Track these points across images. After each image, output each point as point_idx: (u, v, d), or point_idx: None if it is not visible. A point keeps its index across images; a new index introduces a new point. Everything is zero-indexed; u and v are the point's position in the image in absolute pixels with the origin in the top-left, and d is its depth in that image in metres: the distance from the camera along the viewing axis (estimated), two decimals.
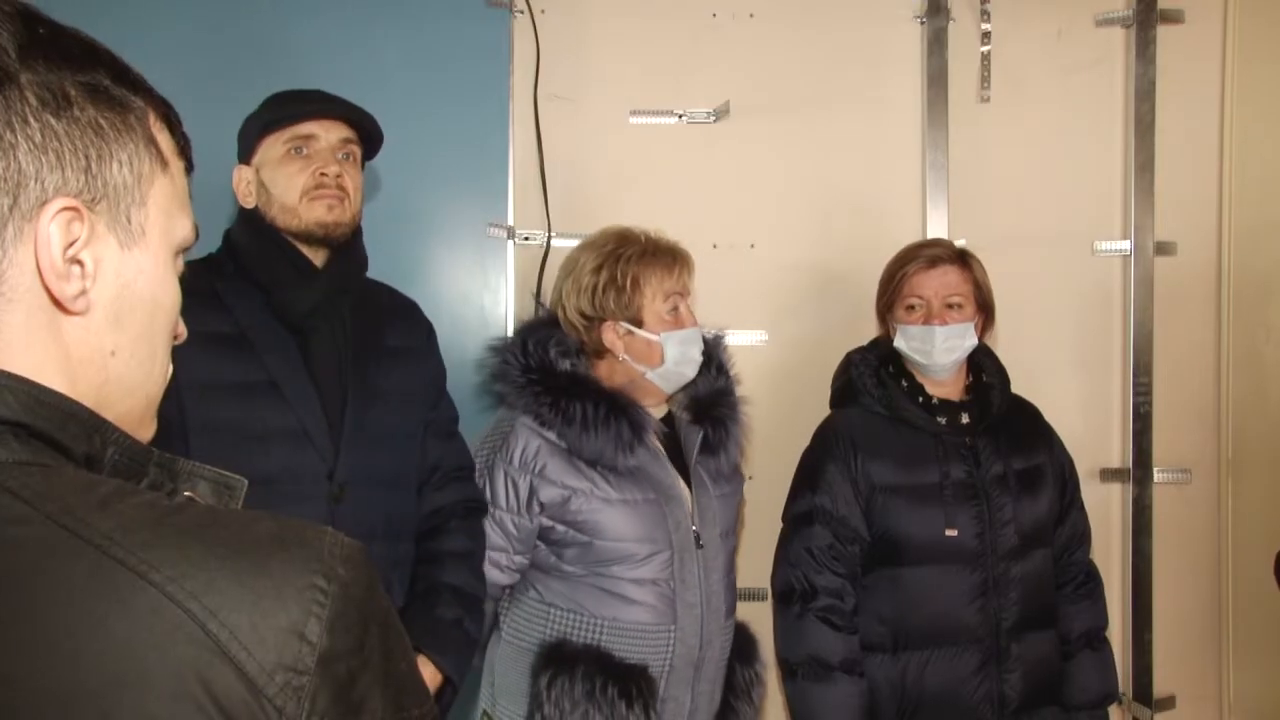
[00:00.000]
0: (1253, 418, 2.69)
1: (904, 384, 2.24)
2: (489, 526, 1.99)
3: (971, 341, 2.21)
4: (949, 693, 2.14)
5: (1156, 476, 2.69)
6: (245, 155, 1.87)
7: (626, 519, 1.97)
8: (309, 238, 1.83)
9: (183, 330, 0.84)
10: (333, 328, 1.83)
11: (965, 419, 2.23)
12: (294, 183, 1.82)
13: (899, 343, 2.23)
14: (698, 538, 2.03)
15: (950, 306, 2.19)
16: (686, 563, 2.00)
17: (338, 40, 2.40)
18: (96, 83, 0.74)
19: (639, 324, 2.03)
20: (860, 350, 2.34)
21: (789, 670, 2.19)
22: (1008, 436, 2.24)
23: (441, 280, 2.49)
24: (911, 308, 2.21)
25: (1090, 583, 2.30)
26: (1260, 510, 2.67)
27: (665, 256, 2.05)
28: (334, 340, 1.83)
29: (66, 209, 0.72)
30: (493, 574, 2.00)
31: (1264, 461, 2.67)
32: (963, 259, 2.24)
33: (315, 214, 1.81)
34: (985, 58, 2.70)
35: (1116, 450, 2.70)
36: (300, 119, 1.84)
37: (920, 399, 2.23)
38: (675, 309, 2.04)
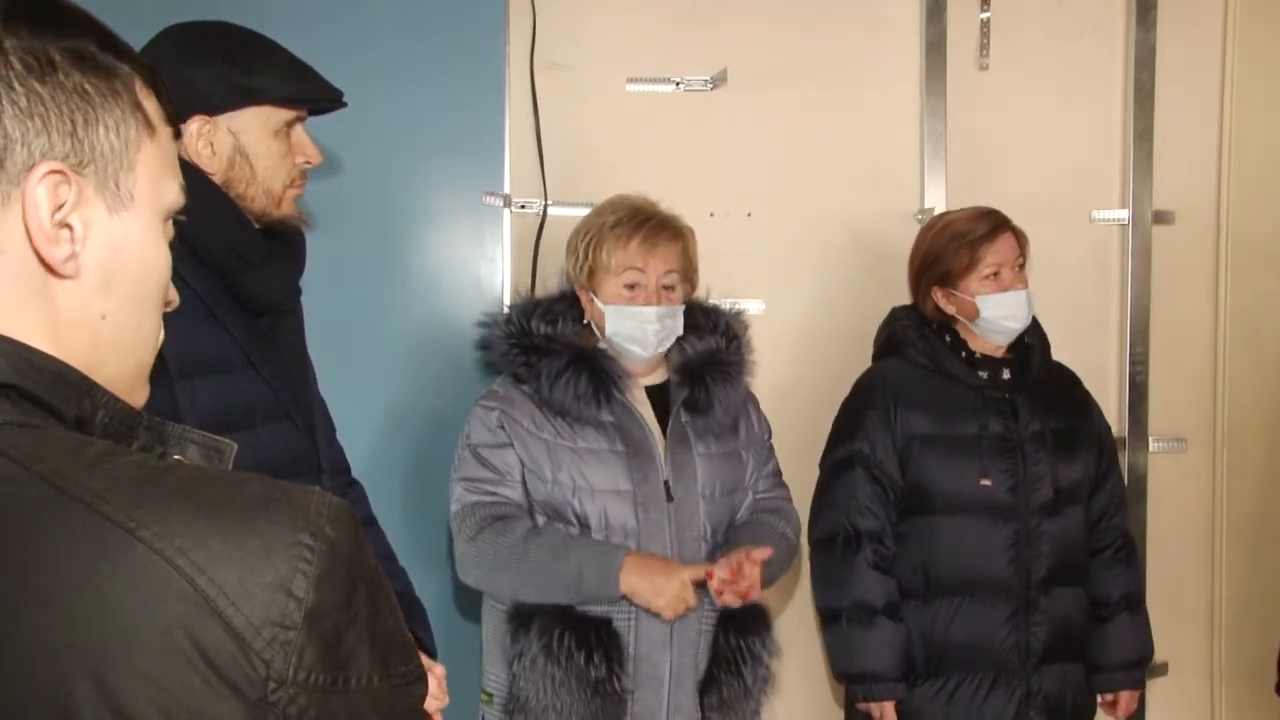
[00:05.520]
0: (1249, 387, 2.70)
1: (947, 339, 2.29)
2: (467, 459, 2.05)
3: (1033, 303, 2.28)
4: (977, 641, 2.20)
5: (1152, 446, 2.70)
6: (213, 106, 1.58)
7: (589, 467, 2.02)
8: (270, 226, 1.65)
9: (174, 296, 0.85)
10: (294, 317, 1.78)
11: (1006, 375, 2.28)
12: (282, 167, 1.64)
13: (988, 313, 2.24)
14: (669, 492, 2.04)
15: (1019, 269, 2.26)
16: (653, 515, 2.03)
17: (332, 4, 2.38)
18: (82, 49, 0.75)
19: (596, 292, 2.09)
20: (904, 307, 2.38)
21: (831, 616, 2.25)
22: (1047, 396, 2.29)
23: (437, 250, 2.49)
24: (993, 275, 2.24)
25: (1127, 547, 2.36)
26: (1254, 479, 2.68)
27: (626, 227, 2.07)
28: (297, 329, 1.79)
29: (54, 172, 0.73)
30: (471, 498, 2.04)
31: (1259, 431, 2.68)
32: (1010, 223, 2.29)
33: (291, 207, 1.68)
34: (984, 25, 2.69)
35: (1113, 419, 2.70)
36: (320, 104, 1.68)
37: (963, 354, 2.28)
38: (634, 285, 2.06)
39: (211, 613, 0.65)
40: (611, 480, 2.03)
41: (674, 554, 2.03)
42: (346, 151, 2.31)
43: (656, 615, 1.97)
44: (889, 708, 2.21)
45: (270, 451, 1.59)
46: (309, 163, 1.69)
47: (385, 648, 0.72)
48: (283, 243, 1.70)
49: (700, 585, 1.99)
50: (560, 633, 1.96)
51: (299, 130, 1.67)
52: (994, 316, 2.26)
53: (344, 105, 1.72)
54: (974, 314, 2.26)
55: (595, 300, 2.09)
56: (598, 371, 2.05)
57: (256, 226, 1.65)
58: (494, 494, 2.04)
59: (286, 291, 1.72)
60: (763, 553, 1.98)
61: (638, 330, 2.06)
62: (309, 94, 1.66)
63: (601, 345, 2.10)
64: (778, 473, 2.27)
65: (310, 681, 0.67)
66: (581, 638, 1.96)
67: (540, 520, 2.04)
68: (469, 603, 2.39)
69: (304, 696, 0.67)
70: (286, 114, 1.64)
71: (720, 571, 1.96)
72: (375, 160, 2.41)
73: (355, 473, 2.03)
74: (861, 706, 2.25)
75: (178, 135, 0.84)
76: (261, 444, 1.58)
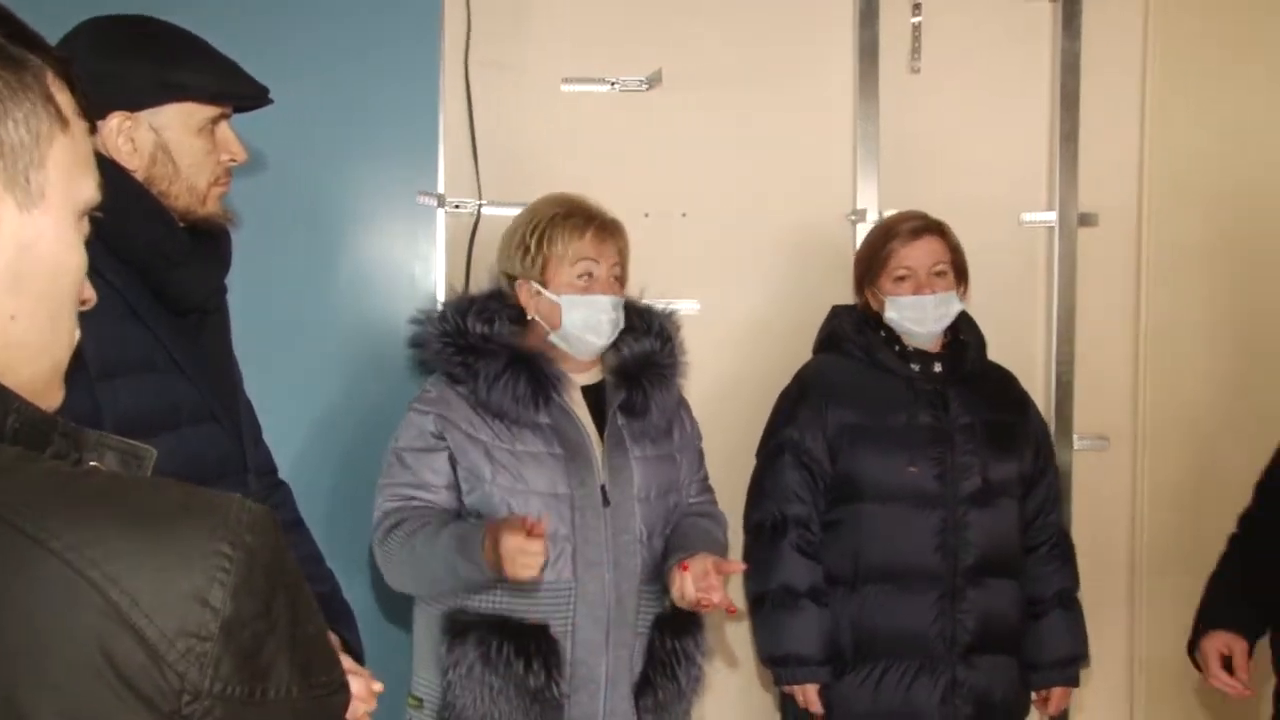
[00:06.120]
0: (1168, 386, 2.76)
1: (883, 334, 2.34)
2: (392, 463, 2.03)
3: (957, 307, 2.33)
4: (904, 629, 2.24)
5: (1076, 444, 2.76)
6: (134, 101, 1.53)
7: (526, 470, 2.01)
8: (195, 224, 1.61)
9: (90, 294, 0.83)
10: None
11: (938, 368, 2.33)
12: (206, 164, 1.59)
13: (890, 314, 2.31)
14: (606, 496, 2.04)
15: (937, 275, 2.29)
16: (590, 519, 2.02)
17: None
18: None
19: (545, 285, 2.06)
20: (845, 305, 2.44)
21: (758, 600, 2.29)
22: (982, 392, 2.35)
23: (369, 249, 2.46)
24: (901, 278, 2.30)
25: (1062, 545, 2.41)
26: (1173, 476, 2.75)
27: (580, 221, 2.06)
28: (222, 328, 1.75)
29: None
30: (391, 504, 2.02)
31: (1178, 429, 2.75)
32: (941, 229, 2.33)
33: (217, 205, 1.63)
34: (916, 29, 2.72)
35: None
36: (245, 101, 1.64)
37: (897, 348, 2.33)
38: (589, 274, 2.05)
39: (123, 625, 0.64)
40: (549, 483, 2.02)
41: (610, 558, 2.02)
42: (276, 149, 2.27)
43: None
44: (811, 691, 2.25)
45: (195, 453, 1.56)
46: (234, 160, 1.66)
47: (306, 657, 0.71)
48: (207, 241, 1.66)
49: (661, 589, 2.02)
50: (499, 642, 1.95)
51: (224, 127, 1.64)
52: (896, 318, 2.30)
53: (270, 102, 1.69)
54: (883, 312, 2.32)
55: (545, 293, 2.05)
56: (536, 373, 2.03)
57: (180, 224, 1.61)
58: (413, 498, 2.02)
59: (211, 290, 1.69)
60: (736, 566, 2.08)
61: (594, 319, 2.05)
62: (234, 90, 1.62)
63: (551, 339, 2.07)
64: (707, 477, 2.28)
65: (227, 693, 0.66)
66: (520, 646, 1.95)
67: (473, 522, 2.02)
68: (399, 606, 2.36)
69: (220, 708, 0.66)
70: (210, 110, 1.60)
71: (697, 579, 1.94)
72: (305, 158, 2.38)
73: (283, 473, 2.00)
74: (784, 689, 2.30)
75: (93, 130, 0.82)
76: (185, 445, 1.55)
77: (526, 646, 1.95)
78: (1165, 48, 2.74)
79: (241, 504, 0.70)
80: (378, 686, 1.38)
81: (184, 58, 1.58)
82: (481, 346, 2.05)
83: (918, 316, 2.29)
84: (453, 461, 2.02)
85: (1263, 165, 2.74)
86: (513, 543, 1.82)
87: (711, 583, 1.94)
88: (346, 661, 1.24)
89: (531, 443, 2.03)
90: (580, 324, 2.05)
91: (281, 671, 0.69)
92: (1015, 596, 2.32)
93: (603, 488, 2.05)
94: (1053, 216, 2.75)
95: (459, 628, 1.98)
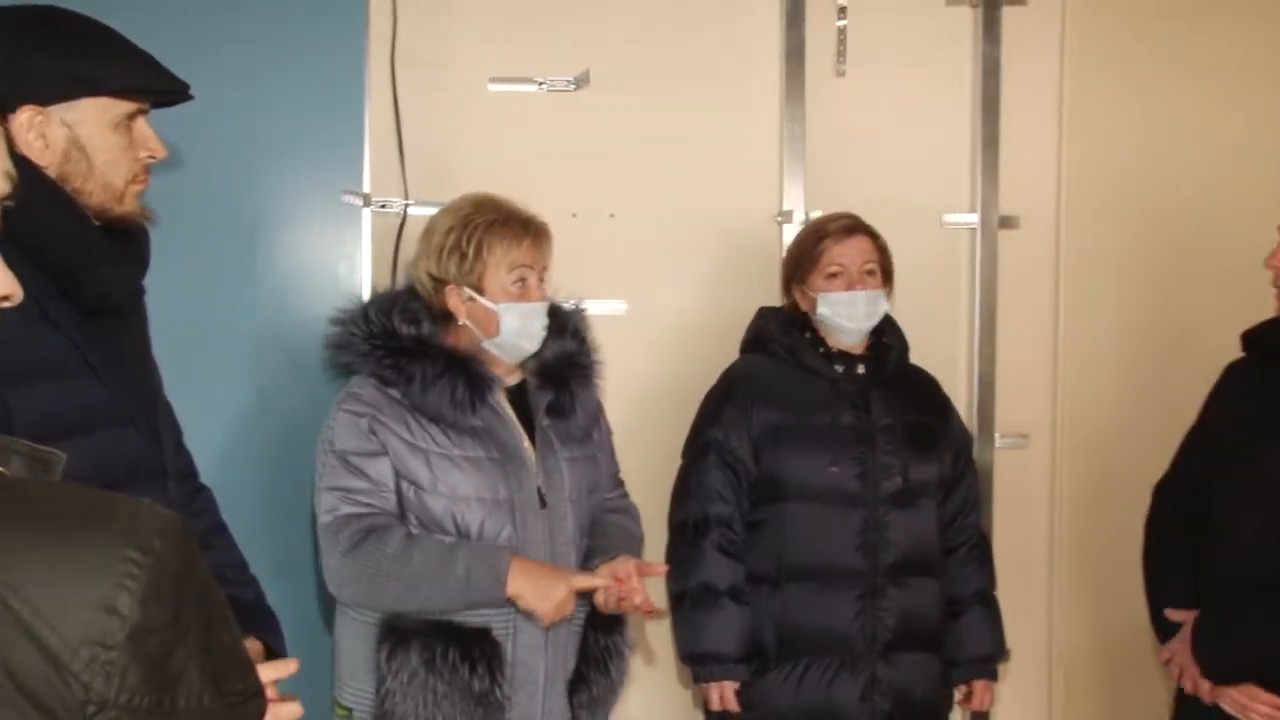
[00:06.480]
0: (1085, 385, 2.83)
1: (807, 335, 2.37)
2: (335, 466, 1.97)
3: (885, 306, 2.37)
4: (826, 627, 2.27)
5: (997, 442, 2.81)
6: (45, 96, 1.48)
7: (468, 476, 1.99)
8: (112, 223, 1.57)
9: (14, 290, 0.80)
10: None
11: (861, 370, 2.37)
12: (122, 161, 1.55)
13: (822, 310, 2.33)
14: (542, 498, 2.04)
15: (868, 273, 2.33)
16: (530, 523, 2.02)
17: None
18: None
19: (481, 291, 2.03)
20: (772, 307, 2.47)
21: (678, 599, 2.31)
22: (904, 394, 2.39)
23: (293, 249, 2.43)
24: (833, 275, 2.33)
25: (981, 545, 2.46)
26: (1089, 473, 2.82)
27: (516, 227, 2.05)
28: (140, 330, 1.71)
29: None
30: (345, 509, 1.97)
31: (1095, 427, 2.81)
32: (871, 230, 2.38)
33: (134, 203, 1.59)
34: (841, 33, 2.75)
35: (962, 417, 2.80)
36: (164, 96, 1.60)
37: (821, 350, 2.36)
38: (522, 280, 2.04)
39: (24, 635, 0.62)
40: (490, 488, 2.01)
41: (549, 559, 2.03)
42: (198, 147, 2.23)
43: (533, 620, 1.96)
44: (728, 688, 2.27)
45: (110, 459, 1.52)
46: (153, 157, 1.62)
47: (218, 664, 0.70)
48: (125, 240, 1.62)
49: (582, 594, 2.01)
50: (443, 648, 1.93)
51: (141, 123, 1.60)
52: (829, 314, 2.33)
53: (190, 98, 1.66)
54: (815, 310, 2.35)
55: (480, 300, 2.03)
56: (473, 376, 2.01)
57: (96, 223, 1.57)
58: (369, 505, 1.98)
59: (128, 291, 1.65)
60: (658, 568, 2.12)
61: (529, 327, 2.05)
62: (151, 85, 1.58)
63: (485, 345, 2.05)
64: (618, 470, 2.30)
65: (133, 703, 0.65)
66: (465, 650, 1.94)
67: (415, 531, 1.99)
68: (327, 611, 2.34)
69: (127, 719, 0.65)
70: (127, 106, 1.56)
71: (624, 581, 2.00)
72: (228, 156, 2.34)
73: (206, 478, 1.96)
74: (701, 686, 2.32)
75: (4, 122, 0.79)
76: (100, 451, 1.51)
77: (471, 651, 1.94)
78: (1082, 54, 2.80)
79: (151, 509, 0.69)
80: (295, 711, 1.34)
81: (97, 51, 1.54)
82: (414, 349, 2.02)
83: (850, 312, 2.32)
84: (393, 468, 1.99)
85: (1177, 170, 2.81)
86: (563, 591, 1.94)
87: (634, 585, 1.99)
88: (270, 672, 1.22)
89: (470, 448, 2.01)
90: (516, 332, 2.05)
91: (192, 680, 0.68)
92: (935, 595, 2.36)
93: (539, 491, 2.05)
94: (975, 219, 2.80)
95: (399, 635, 1.95)
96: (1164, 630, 2.19)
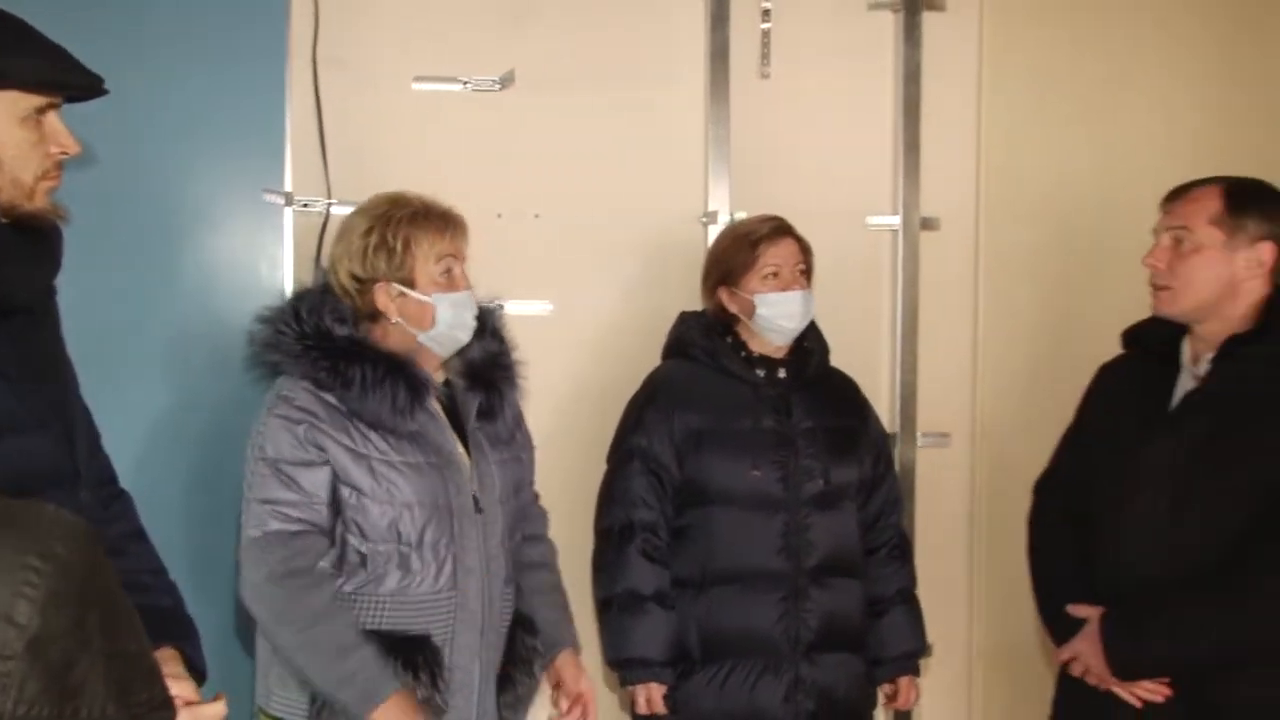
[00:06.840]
0: (1004, 385, 2.89)
1: (729, 340, 2.39)
2: (266, 475, 1.92)
3: (813, 306, 2.39)
4: (749, 629, 2.30)
5: (919, 441, 2.86)
6: None
7: (409, 482, 1.96)
8: (21, 220, 1.52)
9: None
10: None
11: (782, 374, 2.39)
12: (32, 157, 1.50)
13: (762, 311, 2.35)
14: (476, 502, 2.03)
15: (801, 273, 2.37)
16: (466, 528, 2.01)
17: None
18: None
19: (411, 285, 2.00)
20: (693, 311, 2.48)
21: (604, 605, 2.33)
22: (824, 398, 2.42)
23: (213, 248, 2.39)
24: (770, 276, 2.35)
25: (902, 545, 2.50)
26: (1008, 471, 2.86)
27: (437, 219, 2.03)
28: (52, 331, 1.66)
29: None
30: (275, 524, 1.92)
31: (1013, 425, 2.87)
32: (795, 232, 2.41)
33: (45, 200, 1.54)
34: (765, 35, 2.78)
35: (885, 417, 2.83)
36: (76, 91, 1.55)
37: (743, 354, 2.38)
38: (449, 271, 2.03)
39: None
40: (430, 494, 1.98)
41: (484, 563, 2.01)
42: (114, 143, 2.19)
43: None
44: (655, 691, 2.29)
45: (20, 465, 1.48)
46: (65, 153, 1.57)
47: (123, 673, 0.69)
48: (35, 238, 1.57)
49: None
50: (390, 658, 1.91)
51: (52, 118, 1.54)
52: (769, 315, 2.35)
53: (104, 93, 1.61)
54: (752, 311, 2.36)
55: (412, 294, 1.99)
56: (411, 380, 1.98)
57: (4, 220, 1.53)
58: (300, 519, 1.93)
59: (38, 290, 1.60)
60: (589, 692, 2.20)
61: (461, 316, 2.03)
62: (61, 79, 1.53)
63: (421, 340, 2.01)
64: (534, 482, 2.28)
65: (31, 714, 0.64)
66: (409, 658, 1.93)
67: (354, 543, 1.95)
68: (249, 619, 2.29)
69: None
70: (37, 100, 1.50)
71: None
72: (145, 153, 2.31)
73: (124, 482, 1.92)
74: (628, 690, 2.33)
75: None
76: (9, 458, 1.46)
77: (414, 658, 1.93)
78: (1000, 59, 2.87)
79: (55, 515, 0.67)
80: (220, 710, 1.32)
81: (5, 43, 1.49)
82: (350, 350, 1.97)
83: (789, 312, 2.35)
84: (332, 477, 1.95)
85: (1091, 173, 2.89)
86: None
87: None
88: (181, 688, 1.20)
89: (410, 453, 1.97)
90: (451, 322, 2.02)
91: (95, 690, 0.67)
92: (857, 596, 2.39)
93: (474, 497, 2.03)
94: (897, 220, 2.84)
95: None
96: (1058, 627, 2.14)
